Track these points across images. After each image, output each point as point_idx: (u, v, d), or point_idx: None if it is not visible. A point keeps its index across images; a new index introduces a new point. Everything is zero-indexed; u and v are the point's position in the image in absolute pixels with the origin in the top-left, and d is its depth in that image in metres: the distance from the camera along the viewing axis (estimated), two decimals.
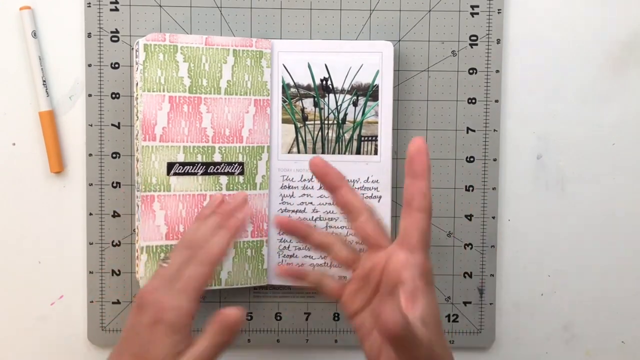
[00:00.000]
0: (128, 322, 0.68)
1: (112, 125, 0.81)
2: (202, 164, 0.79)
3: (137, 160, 0.79)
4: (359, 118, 0.81)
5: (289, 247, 0.82)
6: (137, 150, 0.79)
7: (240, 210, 0.74)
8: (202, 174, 0.79)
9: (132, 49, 0.80)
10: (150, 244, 0.78)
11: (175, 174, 0.79)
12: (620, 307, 0.84)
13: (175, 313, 0.66)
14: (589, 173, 0.83)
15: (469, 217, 0.83)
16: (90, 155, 0.81)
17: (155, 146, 0.78)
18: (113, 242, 0.82)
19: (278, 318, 0.83)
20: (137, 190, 0.79)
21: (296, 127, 0.81)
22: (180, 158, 0.79)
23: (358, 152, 0.81)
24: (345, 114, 0.81)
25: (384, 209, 0.81)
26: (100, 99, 0.81)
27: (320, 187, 0.80)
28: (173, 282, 0.68)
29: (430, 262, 0.65)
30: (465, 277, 0.83)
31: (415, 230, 0.65)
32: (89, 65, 0.80)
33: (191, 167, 0.79)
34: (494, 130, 0.82)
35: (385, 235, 0.69)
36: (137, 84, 0.79)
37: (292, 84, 0.80)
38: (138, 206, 0.79)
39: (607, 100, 0.83)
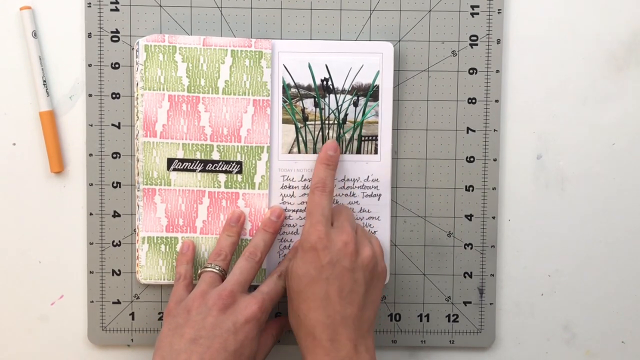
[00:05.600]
0: (207, 323, 0.72)
1: (113, 125, 0.81)
2: (201, 161, 0.80)
3: (138, 161, 0.80)
4: (359, 118, 0.81)
5: (289, 246, 0.82)
6: (138, 150, 0.80)
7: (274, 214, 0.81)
8: (200, 171, 0.80)
9: (133, 49, 0.80)
10: (151, 234, 0.80)
11: (175, 169, 0.79)
12: (620, 307, 0.84)
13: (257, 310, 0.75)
14: (589, 173, 0.83)
15: (469, 217, 0.83)
16: (91, 155, 0.81)
17: (156, 142, 0.79)
18: (113, 242, 0.82)
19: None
20: (138, 190, 0.80)
21: (297, 127, 0.81)
22: (180, 154, 0.79)
23: (358, 152, 0.81)
24: (346, 114, 0.81)
25: (383, 207, 0.81)
26: (101, 99, 0.81)
27: None
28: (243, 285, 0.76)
29: (306, 232, 0.75)
30: (465, 277, 0.83)
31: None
32: (89, 65, 0.80)
33: (190, 163, 0.80)
34: (494, 130, 0.82)
35: None
36: (137, 84, 0.79)
37: (292, 84, 0.80)
38: (139, 206, 0.80)
39: (607, 100, 0.83)
